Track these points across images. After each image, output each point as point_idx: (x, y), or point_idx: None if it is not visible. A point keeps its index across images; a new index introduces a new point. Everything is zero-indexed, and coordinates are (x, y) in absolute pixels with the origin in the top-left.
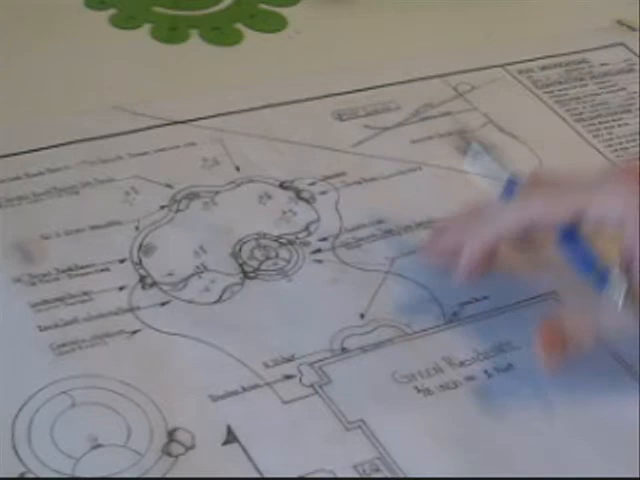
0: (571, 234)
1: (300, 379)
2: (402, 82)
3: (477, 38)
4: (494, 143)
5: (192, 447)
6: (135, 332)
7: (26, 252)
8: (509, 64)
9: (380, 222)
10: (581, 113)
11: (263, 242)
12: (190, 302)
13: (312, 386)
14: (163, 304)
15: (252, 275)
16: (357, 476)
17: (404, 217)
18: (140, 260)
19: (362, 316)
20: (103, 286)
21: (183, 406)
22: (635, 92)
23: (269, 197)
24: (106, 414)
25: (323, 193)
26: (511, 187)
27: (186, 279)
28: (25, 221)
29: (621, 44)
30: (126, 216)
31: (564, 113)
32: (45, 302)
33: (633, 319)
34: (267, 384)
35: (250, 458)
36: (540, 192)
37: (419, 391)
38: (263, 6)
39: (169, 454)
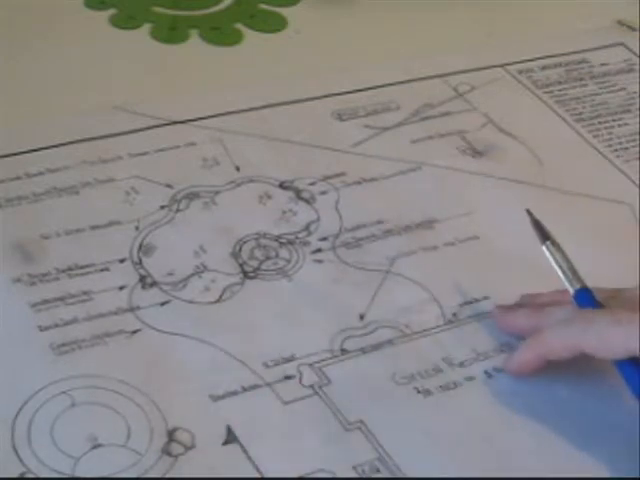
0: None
1: (300, 379)
2: (402, 82)
3: (477, 38)
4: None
5: (192, 447)
6: (135, 332)
7: (26, 252)
8: (509, 64)
9: (380, 222)
10: (581, 113)
11: (263, 242)
12: (190, 302)
13: (312, 387)
14: (163, 304)
15: (252, 275)
16: (357, 476)
17: (404, 217)
18: (140, 260)
19: (362, 317)
20: (103, 286)
21: (183, 406)
22: (635, 92)
23: (269, 197)
24: (106, 414)
25: (323, 193)
26: (582, 297)
27: (186, 279)
28: (25, 221)
29: (621, 44)
30: (126, 216)
31: (564, 113)
32: (45, 302)
33: None
34: (267, 384)
35: (250, 458)
36: (608, 319)
37: (419, 392)
38: (263, 6)
39: (169, 454)
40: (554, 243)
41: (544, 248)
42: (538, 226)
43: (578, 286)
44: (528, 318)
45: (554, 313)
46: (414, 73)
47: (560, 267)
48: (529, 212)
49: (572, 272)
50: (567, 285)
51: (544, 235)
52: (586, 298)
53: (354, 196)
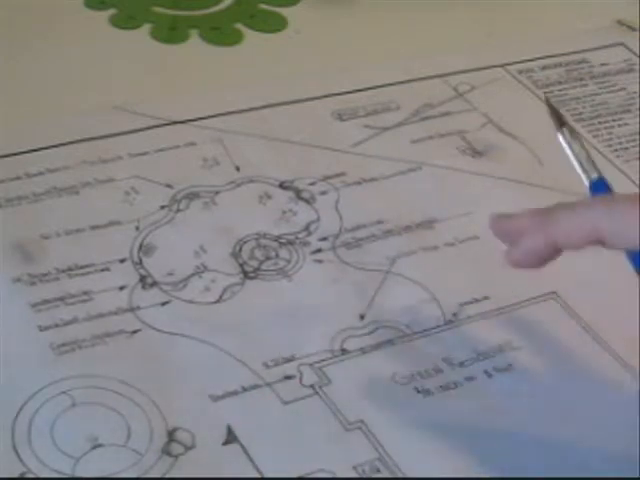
0: None
1: (300, 379)
2: (402, 82)
3: (477, 38)
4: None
5: (192, 447)
6: (135, 332)
7: (26, 252)
8: (509, 64)
9: (380, 222)
10: (581, 113)
11: (263, 242)
12: (190, 302)
13: (312, 386)
14: (163, 304)
15: (252, 275)
16: (357, 476)
17: (404, 217)
18: (140, 260)
19: (362, 317)
20: (103, 286)
21: (183, 406)
22: (635, 92)
23: (269, 197)
24: (106, 414)
25: (323, 193)
26: (598, 187)
27: (186, 279)
28: (25, 221)
29: (621, 44)
30: (126, 216)
31: (564, 113)
32: (45, 302)
33: None
34: (267, 384)
35: (250, 458)
36: (613, 206)
37: (419, 392)
38: (263, 6)
39: (169, 454)
40: (571, 131)
41: (559, 136)
42: (555, 113)
43: (595, 175)
44: (533, 216)
45: (566, 202)
46: (414, 73)
47: (576, 156)
48: (547, 99)
49: (588, 161)
50: (582, 175)
51: (561, 121)
52: (602, 188)
53: (354, 196)
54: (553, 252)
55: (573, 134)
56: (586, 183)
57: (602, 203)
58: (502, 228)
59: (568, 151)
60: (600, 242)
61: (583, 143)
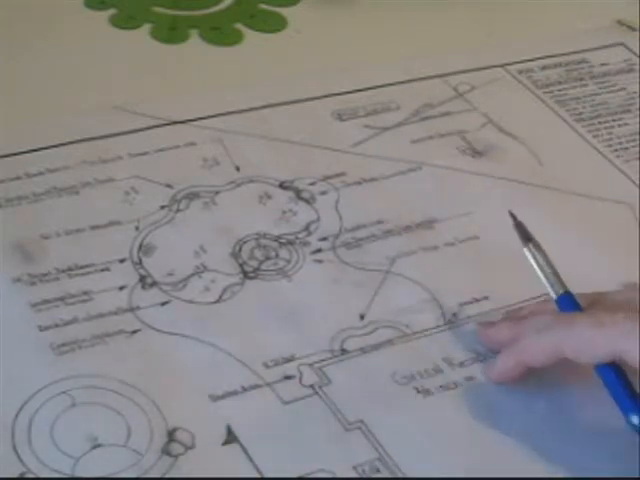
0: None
1: (300, 379)
2: (402, 82)
3: (477, 38)
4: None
5: (192, 447)
6: (135, 332)
7: (26, 252)
8: (509, 64)
9: (380, 222)
10: (581, 113)
11: (263, 242)
12: (190, 302)
13: (312, 387)
14: (163, 304)
15: (252, 275)
16: (357, 476)
17: (404, 217)
18: (140, 260)
19: (362, 317)
20: (103, 286)
21: (183, 406)
22: (635, 92)
23: (269, 197)
24: (106, 414)
25: (323, 193)
26: (564, 302)
27: (186, 279)
28: (25, 221)
29: (621, 44)
30: (126, 216)
31: (564, 113)
32: (45, 302)
33: None
34: (267, 384)
35: (250, 458)
36: (587, 323)
37: (419, 392)
38: (263, 6)
39: (169, 454)
40: (537, 246)
41: (526, 251)
42: (521, 228)
43: (561, 291)
44: (509, 329)
45: (534, 321)
46: (414, 73)
47: (542, 271)
48: (512, 214)
49: (555, 276)
50: (549, 290)
51: (526, 238)
52: (569, 303)
53: (354, 196)
54: (523, 370)
55: (539, 249)
56: (553, 297)
57: (563, 324)
58: (487, 338)
59: (535, 266)
60: (565, 357)
61: (549, 258)
